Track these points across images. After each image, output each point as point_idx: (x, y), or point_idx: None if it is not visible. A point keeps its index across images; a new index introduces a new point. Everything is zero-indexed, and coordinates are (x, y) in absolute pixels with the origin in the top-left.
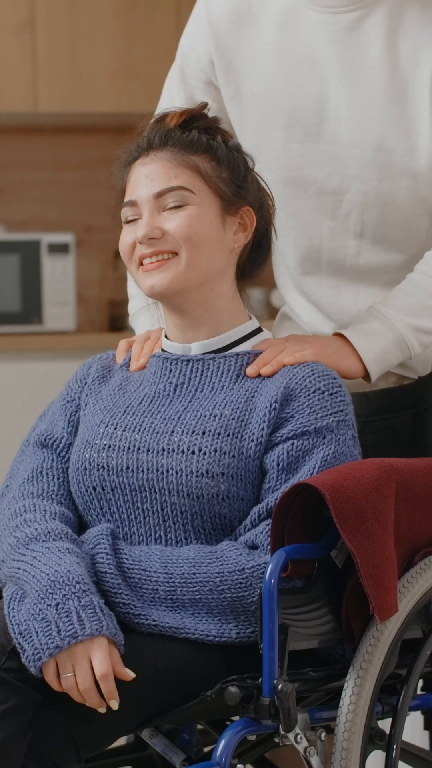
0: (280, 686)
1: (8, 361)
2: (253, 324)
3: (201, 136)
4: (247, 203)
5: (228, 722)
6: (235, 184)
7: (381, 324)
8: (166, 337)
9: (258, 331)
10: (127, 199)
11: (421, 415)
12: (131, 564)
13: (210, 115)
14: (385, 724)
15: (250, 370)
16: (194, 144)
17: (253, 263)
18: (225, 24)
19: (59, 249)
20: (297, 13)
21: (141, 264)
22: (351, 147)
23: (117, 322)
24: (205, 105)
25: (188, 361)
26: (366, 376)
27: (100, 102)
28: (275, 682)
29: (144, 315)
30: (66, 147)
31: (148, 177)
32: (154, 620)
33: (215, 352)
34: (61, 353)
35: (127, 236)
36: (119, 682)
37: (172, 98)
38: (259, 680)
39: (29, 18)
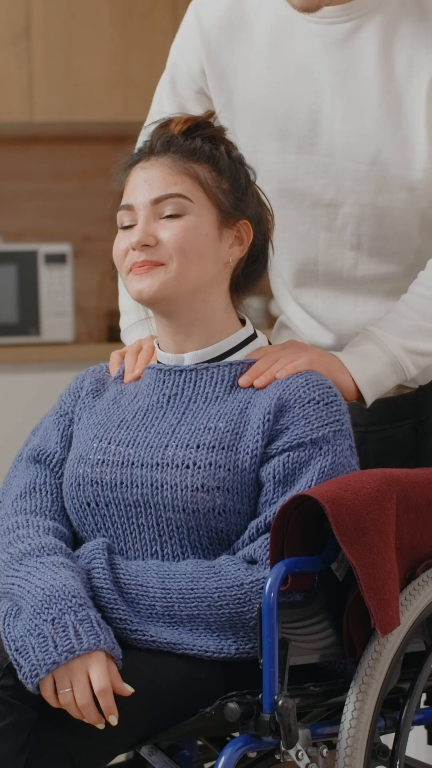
0: (280, 702)
1: (6, 373)
2: (248, 331)
3: (204, 144)
4: (245, 217)
5: (228, 738)
6: (235, 196)
7: (375, 346)
8: (159, 347)
9: (253, 337)
10: (124, 202)
11: (422, 424)
12: (128, 579)
13: (222, 128)
14: (387, 740)
15: (243, 381)
16: (196, 152)
17: (248, 278)
18: (217, 33)
19: (57, 259)
20: (290, 23)
21: (131, 270)
22: (346, 160)
23: (115, 332)
24: (211, 114)
25: (181, 371)
26: (360, 399)
27: (97, 111)
28: (275, 697)
29: (137, 330)
30: (63, 157)
31: (147, 182)
32: (152, 636)
33: (209, 361)
34: (59, 364)
35: (121, 242)
36: (117, 698)
37: (162, 108)
38: (259, 696)
39: (25, 27)
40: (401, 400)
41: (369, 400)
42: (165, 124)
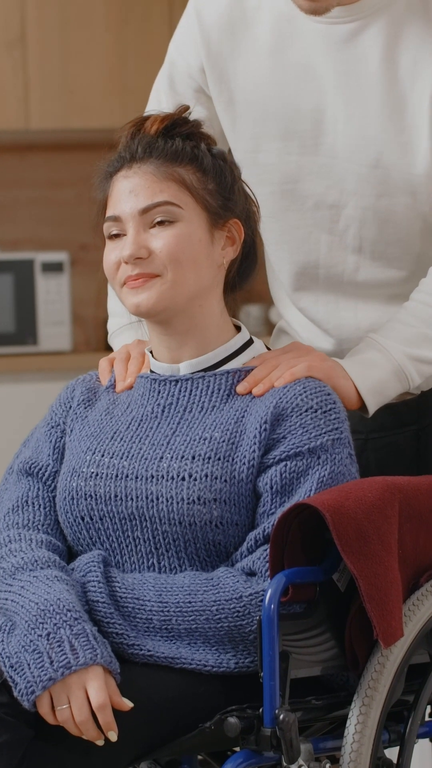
0: (281, 716)
1: (3, 383)
2: (243, 337)
3: (185, 145)
4: (234, 215)
5: (229, 753)
6: (222, 195)
7: (378, 354)
8: (152, 356)
9: (249, 343)
10: (110, 213)
11: (425, 431)
12: (124, 592)
13: (198, 123)
14: (392, 753)
15: (241, 388)
16: (179, 155)
17: (242, 276)
18: (217, 30)
19: (53, 268)
20: (292, 23)
21: (125, 283)
22: (348, 162)
23: None
24: (186, 108)
25: (176, 381)
26: (363, 408)
27: (93, 118)
28: (276, 711)
29: (125, 333)
30: (59, 164)
31: (133, 192)
32: (149, 650)
33: (204, 370)
34: (56, 374)
35: (112, 254)
36: (116, 714)
37: (161, 105)
38: (260, 710)
39: (20, 34)
40: (403, 407)
41: (372, 408)
42: (140, 125)
